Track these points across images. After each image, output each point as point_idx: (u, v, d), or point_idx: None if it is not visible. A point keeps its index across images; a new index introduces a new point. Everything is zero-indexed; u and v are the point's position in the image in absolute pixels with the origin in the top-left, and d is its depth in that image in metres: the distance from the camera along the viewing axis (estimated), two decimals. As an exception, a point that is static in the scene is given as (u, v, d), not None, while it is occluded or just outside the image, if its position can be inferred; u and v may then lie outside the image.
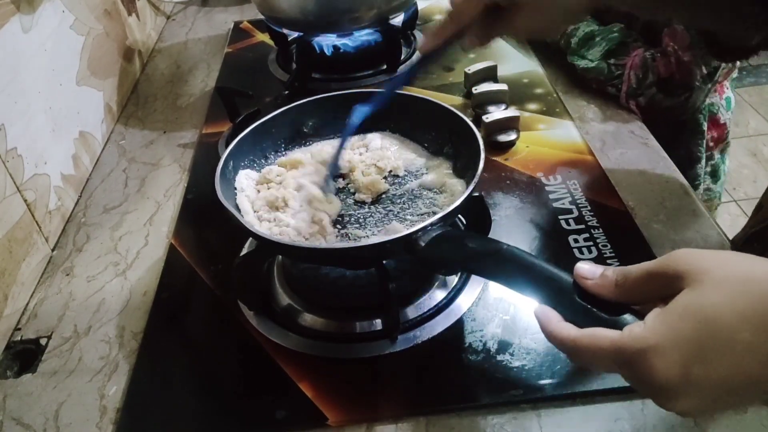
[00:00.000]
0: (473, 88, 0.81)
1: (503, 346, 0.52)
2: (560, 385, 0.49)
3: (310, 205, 0.56)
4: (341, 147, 0.59)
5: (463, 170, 0.58)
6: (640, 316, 0.34)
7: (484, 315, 0.55)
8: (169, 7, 1.22)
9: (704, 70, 0.75)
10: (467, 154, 0.57)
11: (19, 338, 0.59)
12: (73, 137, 0.77)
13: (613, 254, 0.59)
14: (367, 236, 0.54)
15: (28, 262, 0.63)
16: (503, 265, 0.41)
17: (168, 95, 0.96)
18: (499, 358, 0.51)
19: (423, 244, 0.46)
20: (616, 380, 0.46)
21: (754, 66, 2.54)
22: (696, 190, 0.90)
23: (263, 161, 0.63)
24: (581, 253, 0.60)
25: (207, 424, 0.50)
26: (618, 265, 0.36)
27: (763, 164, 2.13)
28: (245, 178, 0.59)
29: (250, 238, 0.64)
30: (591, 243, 0.61)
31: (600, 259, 0.59)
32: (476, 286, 0.57)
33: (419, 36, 1.02)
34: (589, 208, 0.65)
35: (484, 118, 0.75)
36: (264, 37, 1.06)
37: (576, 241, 0.62)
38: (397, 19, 0.93)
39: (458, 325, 0.54)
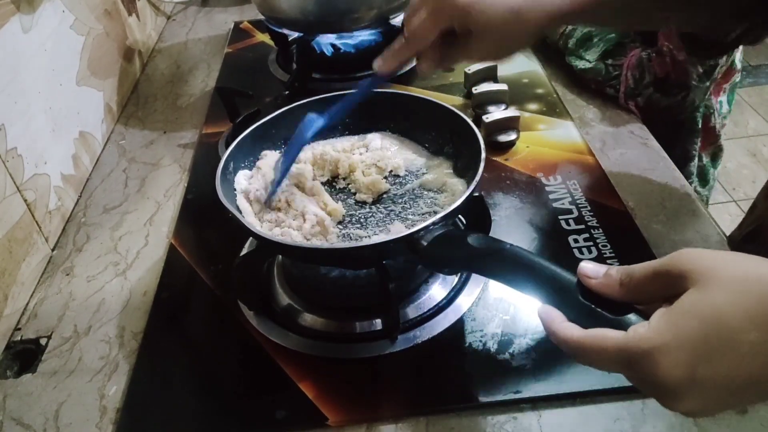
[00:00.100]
0: (473, 88, 0.81)
1: (503, 346, 0.52)
2: (560, 385, 0.49)
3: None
4: (290, 163, 0.58)
5: (464, 170, 0.58)
6: (644, 315, 0.34)
7: (484, 315, 0.55)
8: (169, 7, 1.22)
9: (700, 69, 0.75)
10: (468, 153, 0.57)
11: (19, 338, 0.59)
12: (73, 137, 0.77)
13: (613, 254, 0.59)
14: (369, 236, 0.54)
15: (28, 262, 0.63)
16: (506, 265, 0.41)
17: (168, 95, 0.96)
18: (499, 358, 0.51)
19: (425, 243, 0.46)
20: (616, 380, 0.46)
21: (754, 66, 2.54)
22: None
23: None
24: (581, 253, 0.60)
25: (207, 424, 0.50)
26: (618, 265, 0.36)
27: (763, 164, 2.13)
28: (245, 179, 0.59)
29: (250, 238, 0.64)
30: (591, 243, 0.61)
31: (600, 260, 0.59)
32: (476, 285, 0.57)
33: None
34: (589, 208, 0.65)
35: (484, 118, 0.75)
36: (264, 38, 1.06)
37: (576, 241, 0.62)
38: (397, 19, 0.93)
39: (458, 325, 0.54)
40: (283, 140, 0.64)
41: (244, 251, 0.63)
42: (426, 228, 0.46)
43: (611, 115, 0.81)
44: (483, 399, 0.49)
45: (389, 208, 0.58)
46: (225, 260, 0.62)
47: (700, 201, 0.90)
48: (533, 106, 0.83)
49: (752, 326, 0.30)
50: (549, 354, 0.51)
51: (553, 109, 0.82)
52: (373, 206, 0.58)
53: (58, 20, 0.77)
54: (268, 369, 0.52)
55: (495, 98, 0.80)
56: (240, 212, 0.55)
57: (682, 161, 0.88)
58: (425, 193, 0.59)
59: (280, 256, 0.62)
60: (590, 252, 0.60)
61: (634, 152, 0.74)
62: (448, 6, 0.49)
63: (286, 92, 0.85)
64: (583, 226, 0.63)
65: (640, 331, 0.32)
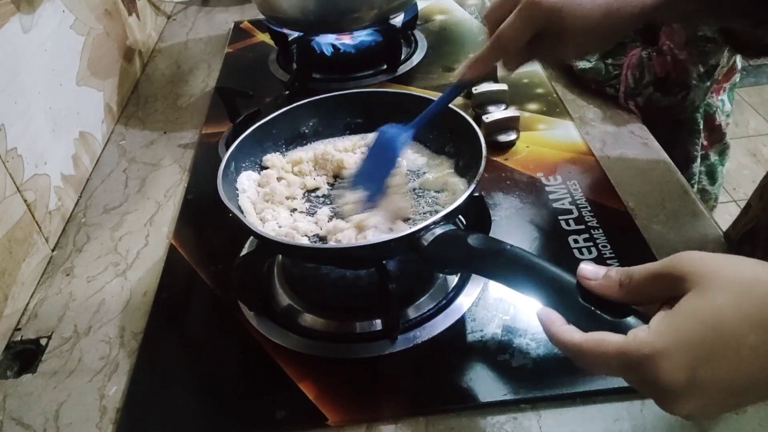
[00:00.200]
0: (473, 88, 0.81)
1: (503, 346, 0.52)
2: (560, 385, 0.49)
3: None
4: (384, 178, 0.56)
5: (465, 169, 0.58)
6: (644, 317, 0.34)
7: (484, 315, 0.55)
8: (169, 7, 1.22)
9: (701, 69, 0.75)
10: (468, 153, 0.57)
11: (19, 338, 0.59)
12: (73, 137, 0.77)
13: (612, 255, 0.59)
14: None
15: (28, 262, 0.63)
16: (506, 265, 0.41)
17: (168, 95, 0.96)
18: (499, 358, 0.51)
19: (425, 243, 0.46)
20: (616, 380, 0.46)
21: (754, 66, 2.54)
22: (693, 188, 0.90)
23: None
24: (581, 253, 0.60)
25: (207, 424, 0.50)
26: (618, 266, 0.36)
27: (763, 164, 2.13)
28: (246, 180, 0.59)
29: (251, 238, 0.64)
30: (591, 243, 0.61)
31: (600, 260, 0.59)
32: (476, 286, 0.57)
33: (420, 36, 1.02)
34: (589, 208, 0.65)
35: (484, 118, 0.75)
36: (264, 37, 1.06)
37: (576, 241, 0.62)
38: (397, 19, 0.93)
39: (458, 325, 0.54)
40: (283, 140, 0.64)
41: (244, 251, 0.63)
42: (426, 228, 0.46)
43: (611, 115, 0.81)
44: (483, 399, 0.49)
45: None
46: (225, 260, 0.62)
47: (702, 201, 0.90)
48: (533, 106, 0.83)
49: (752, 329, 0.30)
50: (549, 354, 0.51)
51: (553, 109, 0.82)
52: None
53: (58, 20, 0.77)
54: (268, 369, 0.52)
55: (495, 98, 0.80)
56: (242, 212, 0.55)
57: (684, 162, 0.88)
58: (426, 192, 0.59)
59: (280, 256, 0.62)
60: (590, 252, 0.60)
61: (634, 152, 0.74)
62: (541, 8, 0.48)
63: (287, 92, 0.85)
64: (583, 227, 0.63)
65: (640, 335, 0.32)
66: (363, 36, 0.92)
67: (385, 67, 0.93)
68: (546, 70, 0.90)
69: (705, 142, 0.90)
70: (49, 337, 0.58)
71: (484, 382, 0.50)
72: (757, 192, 0.65)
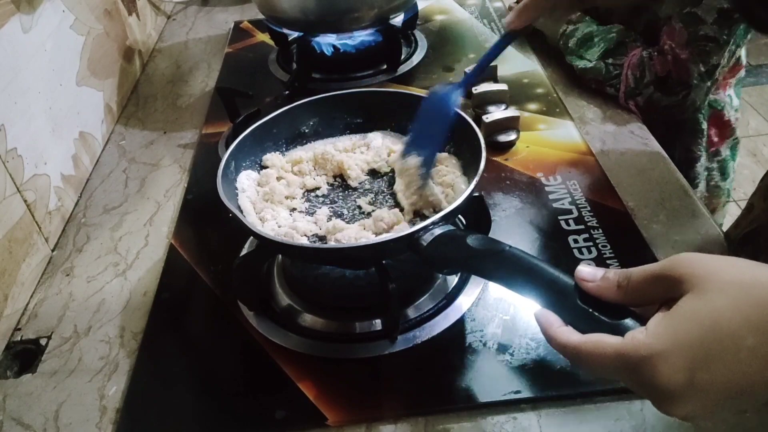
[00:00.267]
0: (473, 88, 0.81)
1: (503, 346, 0.52)
2: (560, 385, 0.49)
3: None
4: (443, 137, 0.56)
5: (465, 169, 0.58)
6: (641, 319, 0.34)
7: (484, 315, 0.55)
8: (169, 7, 1.22)
9: (702, 68, 0.75)
10: (468, 153, 0.57)
11: (19, 338, 0.59)
12: (73, 137, 0.77)
13: (612, 255, 0.59)
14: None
15: (28, 262, 0.63)
16: (504, 266, 0.41)
17: (168, 95, 0.96)
18: (499, 358, 0.51)
19: (425, 243, 0.46)
20: (616, 380, 0.46)
21: (754, 66, 2.54)
22: (696, 189, 0.90)
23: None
24: (581, 253, 0.60)
25: (207, 424, 0.50)
26: (618, 266, 0.36)
27: (763, 164, 2.13)
28: (246, 179, 0.59)
29: (250, 238, 0.64)
30: (591, 243, 0.61)
31: (600, 260, 0.59)
32: (476, 286, 0.57)
33: (420, 36, 1.02)
34: (588, 208, 0.65)
35: (484, 118, 0.75)
36: (264, 37, 1.06)
37: (576, 241, 0.62)
38: (397, 19, 0.93)
39: (458, 325, 0.54)
40: (283, 140, 0.64)
41: (244, 251, 0.63)
42: (425, 228, 0.46)
43: (611, 115, 0.81)
44: (483, 399, 0.49)
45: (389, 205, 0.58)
46: (225, 260, 0.62)
47: (710, 198, 0.90)
48: (533, 106, 0.83)
49: (750, 331, 0.30)
50: (549, 354, 0.51)
51: (553, 109, 0.82)
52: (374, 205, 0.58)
53: (58, 20, 0.77)
54: (268, 369, 0.52)
55: (495, 98, 0.80)
56: (242, 212, 0.55)
57: (687, 161, 0.88)
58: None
59: (280, 256, 0.62)
60: (590, 252, 0.60)
61: (634, 152, 0.74)
62: None
63: (286, 92, 0.85)
64: (583, 227, 0.63)
65: (638, 336, 0.32)
66: (363, 36, 0.92)
67: (385, 67, 0.93)
68: (546, 69, 0.90)
69: (716, 139, 0.89)
70: (49, 337, 0.58)
71: (484, 382, 0.50)
72: (760, 193, 0.65)
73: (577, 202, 0.66)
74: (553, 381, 0.49)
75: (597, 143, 0.76)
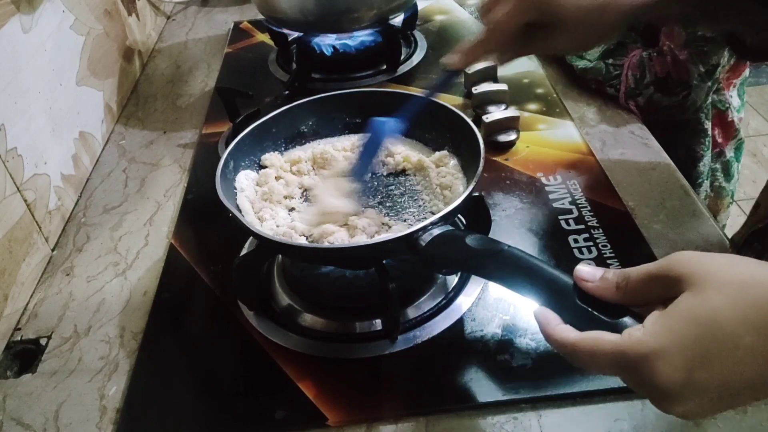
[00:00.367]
0: (473, 88, 0.81)
1: (503, 346, 0.52)
2: (560, 385, 0.49)
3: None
4: (369, 160, 0.57)
5: (464, 169, 0.58)
6: (640, 318, 0.34)
7: (484, 315, 0.55)
8: (169, 7, 1.22)
9: (701, 68, 0.75)
10: (467, 153, 0.57)
11: (19, 338, 0.59)
12: (73, 137, 0.77)
13: (612, 254, 0.59)
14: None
15: (28, 262, 0.63)
16: (504, 266, 0.41)
17: (168, 95, 0.96)
18: (499, 358, 0.51)
19: (424, 243, 0.46)
20: (615, 380, 0.46)
21: (754, 66, 2.54)
22: (699, 189, 0.89)
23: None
24: (581, 253, 0.60)
25: (207, 424, 0.50)
26: (618, 266, 0.36)
27: (763, 164, 2.13)
28: (245, 179, 0.59)
29: (250, 238, 0.64)
30: (591, 243, 0.61)
31: (600, 260, 0.59)
32: (476, 286, 0.57)
33: (420, 36, 1.02)
34: (589, 208, 0.65)
35: (484, 118, 0.75)
36: (264, 37, 1.06)
37: (576, 241, 0.62)
38: (397, 19, 0.93)
39: (458, 325, 0.54)
40: (282, 139, 0.64)
41: (244, 251, 0.63)
42: (424, 228, 0.46)
43: (611, 115, 0.81)
44: (483, 399, 0.49)
45: (389, 206, 0.58)
46: (225, 260, 0.62)
47: (714, 199, 0.90)
48: (533, 106, 0.83)
49: (747, 330, 0.30)
50: (549, 354, 0.51)
51: (553, 109, 0.82)
52: (373, 205, 0.58)
53: (58, 20, 0.77)
54: (268, 369, 0.52)
55: (495, 98, 0.80)
56: (240, 212, 0.55)
57: (689, 162, 0.88)
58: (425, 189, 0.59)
59: (280, 256, 0.62)
60: (590, 252, 0.60)
61: (634, 152, 0.74)
62: None
63: (286, 92, 0.85)
64: (583, 226, 0.63)
65: (635, 334, 0.32)
66: (363, 36, 0.92)
67: (384, 67, 0.93)
68: (546, 69, 0.90)
69: (720, 140, 0.89)
70: (49, 337, 0.58)
71: (484, 382, 0.50)
72: (767, 191, 0.65)
73: (577, 202, 0.66)
74: (553, 381, 0.49)
75: (597, 143, 0.76)
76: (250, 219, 0.55)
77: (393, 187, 0.60)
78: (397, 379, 0.51)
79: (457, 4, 1.13)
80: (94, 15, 0.87)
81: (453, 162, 0.60)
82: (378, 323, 0.55)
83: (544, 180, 0.70)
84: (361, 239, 0.52)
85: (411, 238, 0.46)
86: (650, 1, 0.49)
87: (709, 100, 0.84)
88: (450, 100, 0.82)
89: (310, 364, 0.52)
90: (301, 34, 0.93)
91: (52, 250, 0.68)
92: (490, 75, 0.85)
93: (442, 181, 0.58)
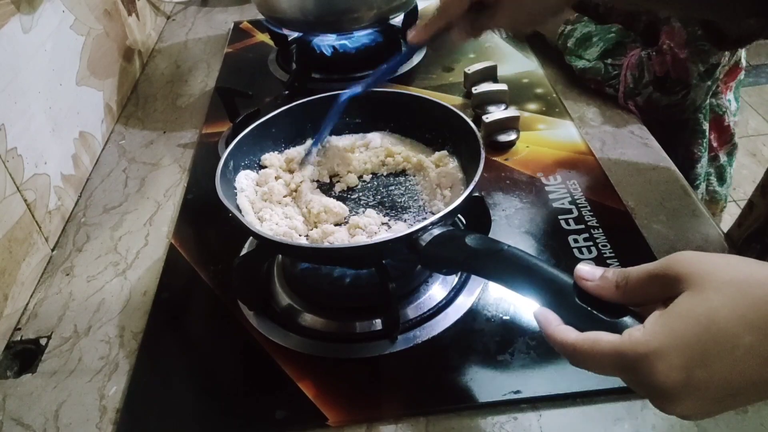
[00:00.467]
0: (473, 88, 0.81)
1: (503, 346, 0.52)
2: (560, 385, 0.49)
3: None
4: (325, 129, 0.62)
5: (464, 169, 0.58)
6: (640, 318, 0.34)
7: (484, 315, 0.55)
8: (169, 7, 1.22)
9: (701, 68, 0.75)
10: (467, 153, 0.57)
11: (19, 338, 0.59)
12: (73, 137, 0.77)
13: (612, 254, 0.59)
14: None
15: (28, 262, 0.63)
16: (504, 266, 0.41)
17: (168, 95, 0.96)
18: (499, 358, 0.51)
19: (424, 243, 0.46)
20: (616, 380, 0.46)
21: (754, 66, 2.54)
22: (696, 191, 0.90)
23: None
24: (581, 253, 0.60)
25: (207, 424, 0.50)
26: (618, 266, 0.36)
27: (763, 164, 2.13)
28: (245, 179, 0.59)
29: (250, 238, 0.64)
30: (591, 243, 0.61)
31: (600, 259, 0.59)
32: (476, 286, 0.57)
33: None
34: (588, 208, 0.65)
35: (484, 118, 0.75)
36: (264, 37, 1.06)
37: (576, 241, 0.62)
38: (397, 19, 0.93)
39: (458, 325, 0.54)
40: (283, 139, 0.64)
41: (244, 251, 0.63)
42: (424, 228, 0.46)
43: (611, 115, 0.81)
44: (483, 399, 0.49)
45: (389, 205, 0.58)
46: (225, 260, 0.62)
47: (707, 203, 0.90)
48: (533, 106, 0.83)
49: (747, 330, 0.30)
50: (549, 354, 0.51)
51: (553, 109, 0.82)
52: (374, 205, 0.58)
53: (58, 20, 0.77)
54: (268, 369, 0.52)
55: (495, 98, 0.80)
56: (240, 211, 0.55)
57: (687, 163, 0.88)
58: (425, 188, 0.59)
59: (280, 256, 0.62)
60: (590, 252, 0.60)
61: (634, 152, 0.74)
62: None
63: (286, 92, 0.85)
64: (582, 226, 0.63)
65: (635, 334, 0.32)
66: (363, 36, 0.92)
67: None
68: (545, 69, 0.90)
69: (715, 144, 0.89)
70: (49, 337, 0.58)
71: (484, 382, 0.50)
72: (759, 190, 0.65)
73: (577, 201, 0.66)
74: (553, 381, 0.49)
75: (597, 143, 0.76)
76: (250, 219, 0.55)
77: (393, 187, 0.60)
78: (397, 379, 0.51)
79: (457, 4, 1.13)
80: (94, 15, 0.87)
81: (453, 162, 0.60)
82: (378, 323, 0.55)
83: (544, 180, 0.70)
84: (361, 239, 0.53)
85: (411, 238, 0.46)
86: None
87: (708, 100, 0.84)
88: (450, 100, 0.83)
89: (310, 364, 0.52)
90: (301, 34, 0.93)
91: (52, 250, 0.68)
92: (490, 75, 0.86)
93: (442, 181, 0.58)
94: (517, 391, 0.48)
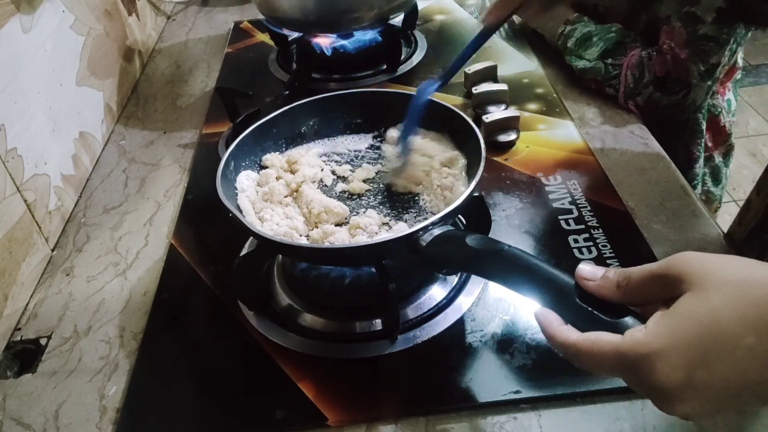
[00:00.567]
0: (473, 88, 0.81)
1: (503, 346, 0.52)
2: (560, 385, 0.49)
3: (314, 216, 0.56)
4: (413, 123, 0.60)
5: (465, 169, 0.58)
6: (641, 318, 0.34)
7: (484, 315, 0.55)
8: (169, 7, 1.22)
9: (701, 67, 0.75)
10: (468, 153, 0.57)
11: (19, 338, 0.59)
12: (73, 137, 0.77)
13: (612, 254, 0.59)
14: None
15: (28, 262, 0.63)
16: (504, 266, 0.41)
17: (168, 95, 0.96)
18: (499, 358, 0.51)
19: (424, 243, 0.46)
20: (615, 380, 0.46)
21: (754, 66, 2.54)
22: (694, 190, 0.89)
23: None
24: (581, 253, 0.60)
25: (207, 424, 0.50)
26: (618, 265, 0.36)
27: (763, 164, 2.12)
28: (246, 179, 0.59)
29: (251, 239, 0.64)
30: (591, 243, 0.61)
31: (600, 260, 0.59)
32: (476, 286, 0.57)
33: (420, 36, 1.02)
34: (589, 208, 0.65)
35: (484, 118, 0.75)
36: (264, 37, 1.06)
37: (576, 241, 0.62)
38: (397, 19, 0.93)
39: (458, 325, 0.54)
40: (283, 139, 0.64)
41: (244, 251, 0.63)
42: (425, 228, 0.46)
43: (611, 115, 0.81)
44: (483, 399, 0.49)
45: (389, 206, 0.58)
46: (225, 260, 0.62)
47: (706, 203, 0.90)
48: (533, 106, 0.83)
49: (748, 330, 0.30)
50: (549, 354, 0.51)
51: (553, 109, 0.82)
52: (374, 206, 0.58)
53: (58, 20, 0.77)
54: (268, 369, 0.52)
55: (495, 98, 0.80)
56: (240, 212, 0.55)
57: (686, 163, 0.88)
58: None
59: (280, 256, 0.62)
60: (590, 252, 0.60)
61: (634, 152, 0.74)
62: None
63: (286, 92, 0.85)
64: (583, 226, 0.63)
65: (636, 335, 0.32)
66: (363, 36, 0.92)
67: (385, 67, 0.93)
68: (546, 69, 0.90)
69: (710, 144, 0.89)
70: (49, 337, 0.58)
71: (484, 382, 0.50)
72: (755, 189, 0.65)
73: (577, 201, 0.66)
74: (553, 381, 0.49)
75: (597, 143, 0.76)
76: (250, 219, 0.55)
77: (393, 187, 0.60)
78: (397, 379, 0.51)
79: (457, 4, 1.13)
80: (94, 15, 0.87)
81: (462, 162, 0.59)
82: (378, 323, 0.55)
83: (544, 180, 0.70)
84: (362, 239, 0.53)
85: (411, 238, 0.46)
86: None
87: (708, 100, 0.84)
88: (450, 100, 0.82)
89: (310, 364, 0.52)
90: (301, 34, 0.93)
91: (52, 251, 0.68)
92: (490, 75, 0.86)
93: (443, 182, 0.58)
94: (517, 391, 0.48)
